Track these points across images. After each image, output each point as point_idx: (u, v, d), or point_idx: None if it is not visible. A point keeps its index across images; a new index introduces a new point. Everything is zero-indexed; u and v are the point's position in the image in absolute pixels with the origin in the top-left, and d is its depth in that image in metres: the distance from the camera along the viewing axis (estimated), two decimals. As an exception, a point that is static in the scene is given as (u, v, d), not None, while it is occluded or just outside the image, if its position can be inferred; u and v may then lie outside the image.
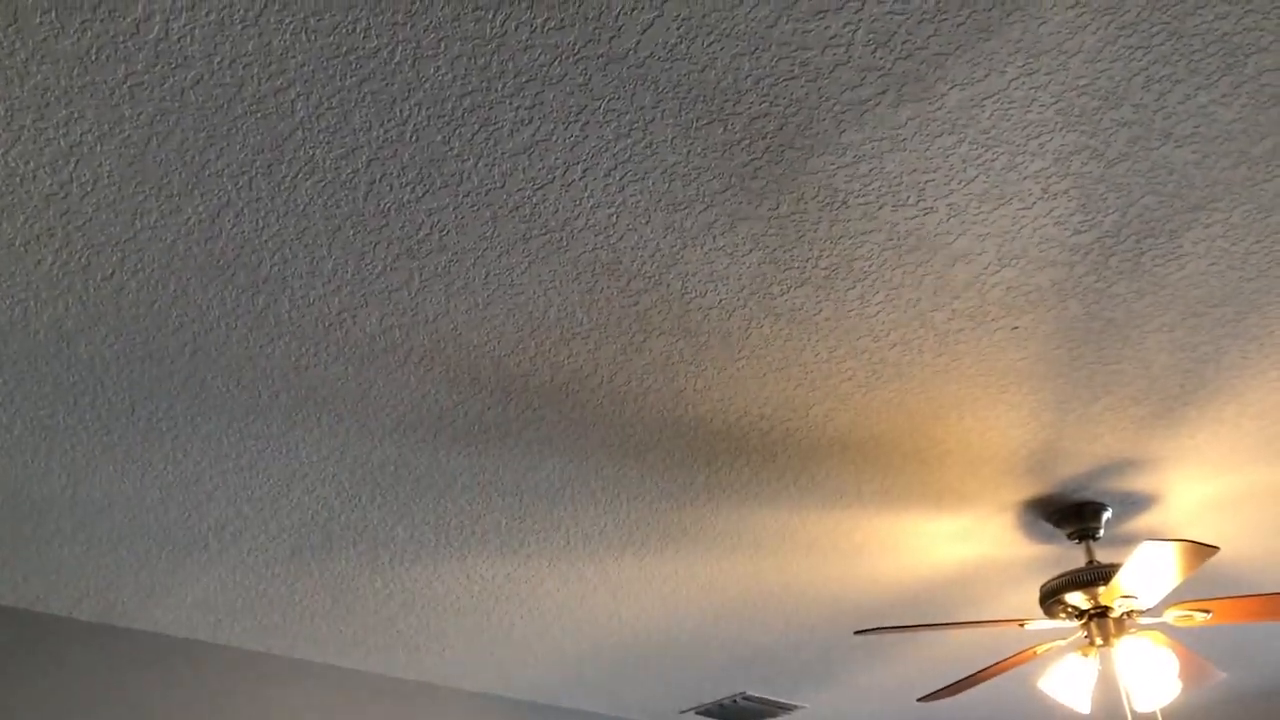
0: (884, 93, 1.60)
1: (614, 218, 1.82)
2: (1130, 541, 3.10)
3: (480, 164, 1.69)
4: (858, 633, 2.84)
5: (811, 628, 3.64)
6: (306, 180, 1.71)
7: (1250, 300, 2.11)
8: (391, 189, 1.74)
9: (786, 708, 4.44)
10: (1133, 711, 4.61)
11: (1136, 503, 2.88)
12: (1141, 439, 2.59)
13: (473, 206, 1.78)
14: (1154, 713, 4.67)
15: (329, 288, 1.95)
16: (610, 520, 2.86)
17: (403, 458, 2.51)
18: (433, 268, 1.91)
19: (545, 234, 1.85)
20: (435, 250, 1.87)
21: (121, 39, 1.47)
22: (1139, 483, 2.78)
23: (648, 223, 1.84)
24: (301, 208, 1.76)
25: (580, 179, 1.74)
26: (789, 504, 2.81)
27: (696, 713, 4.46)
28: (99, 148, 1.63)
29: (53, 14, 1.43)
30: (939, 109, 1.64)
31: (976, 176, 1.77)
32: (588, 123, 1.63)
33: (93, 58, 1.49)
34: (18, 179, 1.69)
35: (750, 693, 4.26)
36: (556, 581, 3.19)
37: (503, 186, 1.74)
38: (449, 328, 2.07)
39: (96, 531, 2.76)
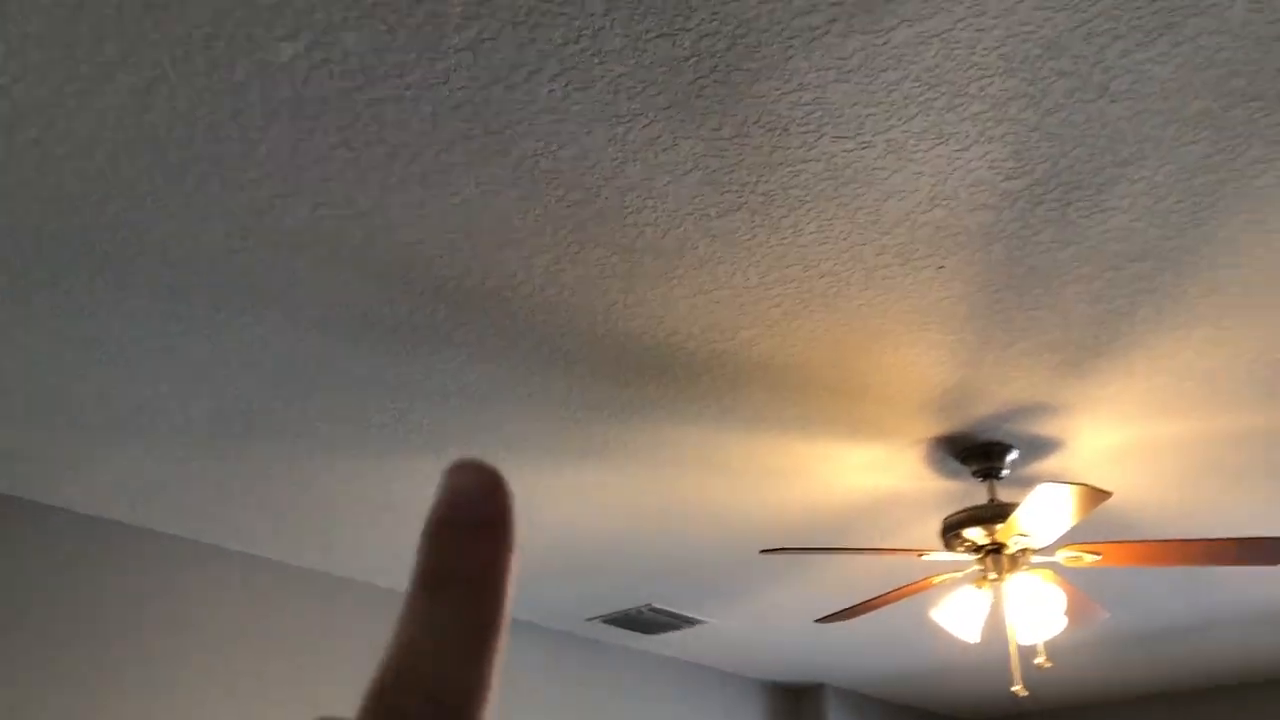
0: (834, 21, 1.61)
1: (557, 125, 1.82)
2: (1033, 483, 3.22)
3: (424, 57, 1.67)
4: (763, 551, 2.92)
5: (720, 545, 3.73)
6: (245, 60, 1.67)
7: (1167, 258, 2.18)
8: (332, 76, 1.71)
9: (690, 621, 4.57)
10: (1016, 644, 4.82)
11: (1042, 446, 2.99)
12: (1053, 385, 2.67)
13: (414, 100, 1.76)
14: (1037, 646, 4.89)
15: (261, 172, 1.92)
16: (533, 429, 2.89)
17: (328, 352, 2.50)
18: (369, 160, 1.89)
19: (486, 135, 1.84)
20: (373, 142, 1.85)
21: (57, -107, 1.41)
22: (1046, 427, 2.88)
23: (590, 133, 1.84)
24: (237, 88, 1.73)
25: (525, 82, 1.72)
26: (710, 424, 2.87)
27: (603, 620, 4.57)
28: (27, 3, 1.58)
29: None
30: (886, 43, 1.65)
31: (917, 114, 1.80)
32: (536, 25, 1.61)
33: (26, -90, 1.44)
34: (-59, 31, 1.63)
35: (656, 604, 4.37)
36: (475, 485, 3.22)
37: (445, 82, 1.72)
38: (382, 223, 2.06)
39: (8, 401, 2.71)
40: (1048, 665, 2.85)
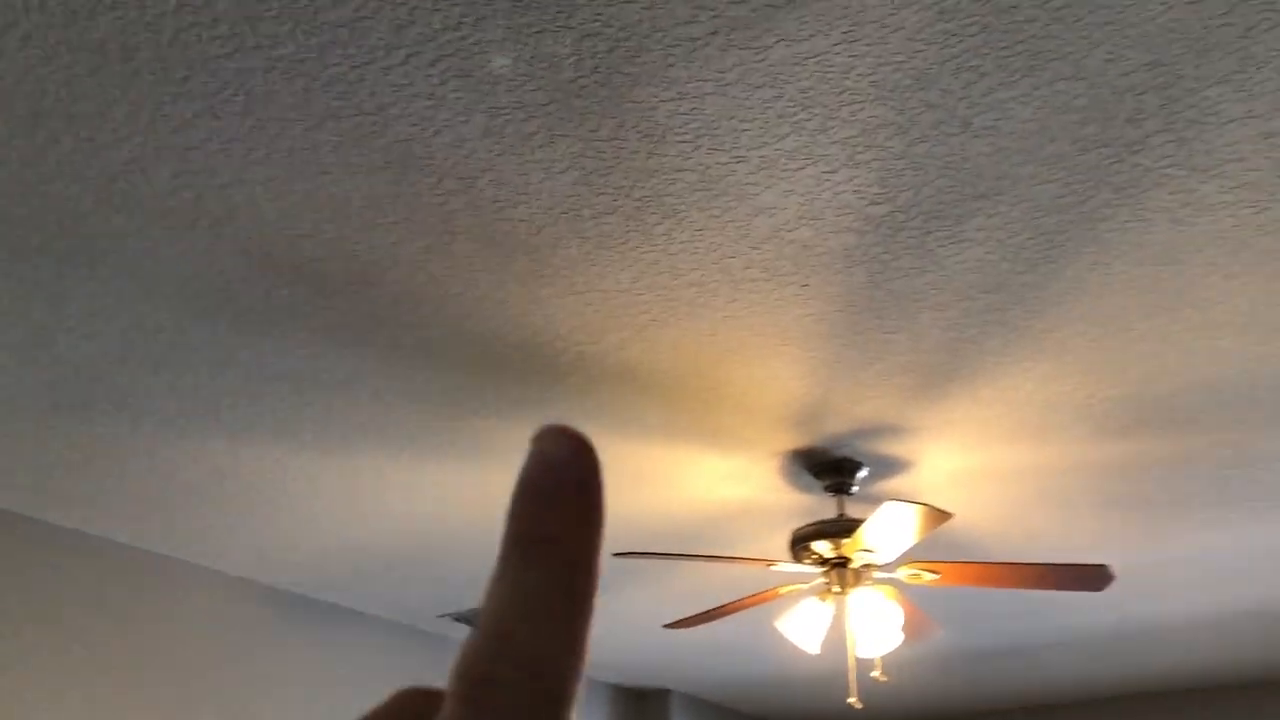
0: (714, 34, 1.63)
1: (433, 111, 1.79)
2: (881, 500, 3.31)
3: (298, 30, 1.63)
4: (616, 555, 2.94)
5: (576, 548, 3.73)
6: (107, 14, 1.60)
7: (1017, 292, 2.28)
8: (200, 40, 1.65)
9: (542, 623, 4.55)
10: (855, 657, 4.94)
11: (891, 465, 3.08)
12: (905, 407, 2.76)
13: (284, 74, 1.71)
14: (874, 660, 5.04)
15: (119, 135, 1.84)
16: (392, 420, 2.84)
17: (180, 327, 2.41)
18: (233, 130, 1.83)
19: (359, 115, 1.80)
20: (239, 113, 1.79)
21: None
22: (896, 448, 2.98)
23: (467, 122, 1.82)
24: (97, 43, 1.65)
25: (401, 64, 1.69)
26: (572, 425, 2.86)
27: (454, 618, 4.52)
28: None
29: None
30: (764, 60, 1.68)
31: (789, 134, 1.83)
32: (416, 8, 1.59)
33: None
34: None
35: (509, 605, 4.34)
36: (329, 474, 3.15)
37: (319, 58, 1.68)
38: (244, 196, 1.99)
39: None
40: (883, 680, 2.94)
